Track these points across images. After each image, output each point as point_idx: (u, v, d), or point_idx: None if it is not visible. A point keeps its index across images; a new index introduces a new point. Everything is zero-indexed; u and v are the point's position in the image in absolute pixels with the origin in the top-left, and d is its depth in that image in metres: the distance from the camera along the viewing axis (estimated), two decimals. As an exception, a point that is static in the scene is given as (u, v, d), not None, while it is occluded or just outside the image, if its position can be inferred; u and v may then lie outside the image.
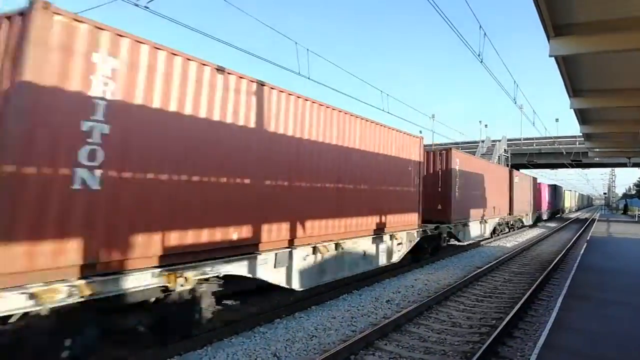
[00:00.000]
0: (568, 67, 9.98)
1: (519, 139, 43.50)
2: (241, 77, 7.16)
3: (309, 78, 11.26)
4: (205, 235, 6.41)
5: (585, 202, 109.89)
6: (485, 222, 20.84)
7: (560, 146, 38.34)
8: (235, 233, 6.94)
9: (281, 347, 6.45)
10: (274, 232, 7.80)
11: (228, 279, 6.81)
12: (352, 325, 7.70)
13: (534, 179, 36.22)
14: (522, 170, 37.91)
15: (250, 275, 7.17)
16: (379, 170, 11.26)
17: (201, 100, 6.44)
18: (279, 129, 7.98)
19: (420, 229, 13.45)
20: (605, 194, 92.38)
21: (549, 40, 8.24)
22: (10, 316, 4.43)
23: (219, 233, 6.65)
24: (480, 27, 10.10)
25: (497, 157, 36.14)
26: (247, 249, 7.18)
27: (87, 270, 5.00)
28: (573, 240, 22.71)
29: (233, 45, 10.65)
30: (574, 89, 11.76)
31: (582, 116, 15.36)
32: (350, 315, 8.23)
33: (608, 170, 72.53)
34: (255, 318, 7.58)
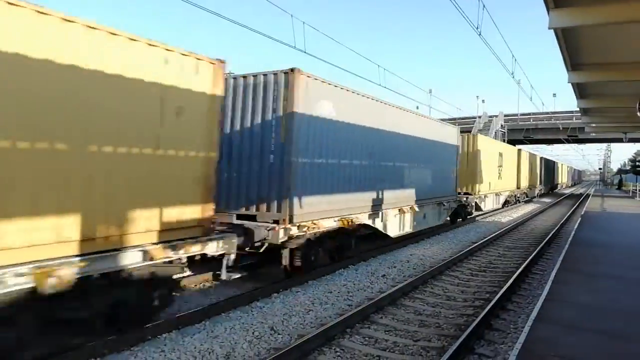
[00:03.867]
0: (567, 40, 9.82)
1: (516, 115, 43.32)
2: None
3: (305, 52, 11.08)
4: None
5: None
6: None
7: (557, 121, 38.25)
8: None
9: (278, 321, 6.54)
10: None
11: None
12: (349, 299, 7.80)
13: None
14: (518, 146, 37.99)
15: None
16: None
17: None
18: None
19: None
20: (600, 169, 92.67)
21: (548, 12, 8.07)
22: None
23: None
24: (479, -1, 9.90)
25: (493, 133, 36.04)
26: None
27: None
28: (567, 215, 22.92)
29: (223, 16, 10.34)
30: (572, 62, 11.61)
31: (580, 90, 15.24)
32: (347, 290, 8.33)
33: (604, 145, 72.57)
34: (253, 293, 7.66)
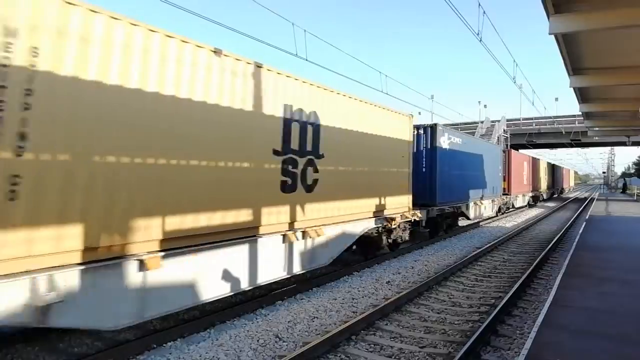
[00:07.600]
0: (568, 45, 9.86)
1: (518, 119, 43.28)
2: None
3: (306, 59, 11.14)
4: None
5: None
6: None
7: (560, 126, 38.20)
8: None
9: (283, 329, 6.53)
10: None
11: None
12: (353, 306, 7.78)
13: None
14: (521, 151, 38.07)
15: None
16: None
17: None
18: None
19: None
20: (604, 173, 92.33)
21: (548, 17, 8.12)
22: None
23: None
24: (480, 4, 9.96)
25: (496, 138, 35.95)
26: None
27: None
28: (572, 220, 22.80)
29: (225, 26, 10.47)
30: (573, 67, 11.64)
31: (582, 95, 15.26)
32: (351, 297, 8.31)
33: (607, 149, 72.36)
34: (257, 300, 7.65)
